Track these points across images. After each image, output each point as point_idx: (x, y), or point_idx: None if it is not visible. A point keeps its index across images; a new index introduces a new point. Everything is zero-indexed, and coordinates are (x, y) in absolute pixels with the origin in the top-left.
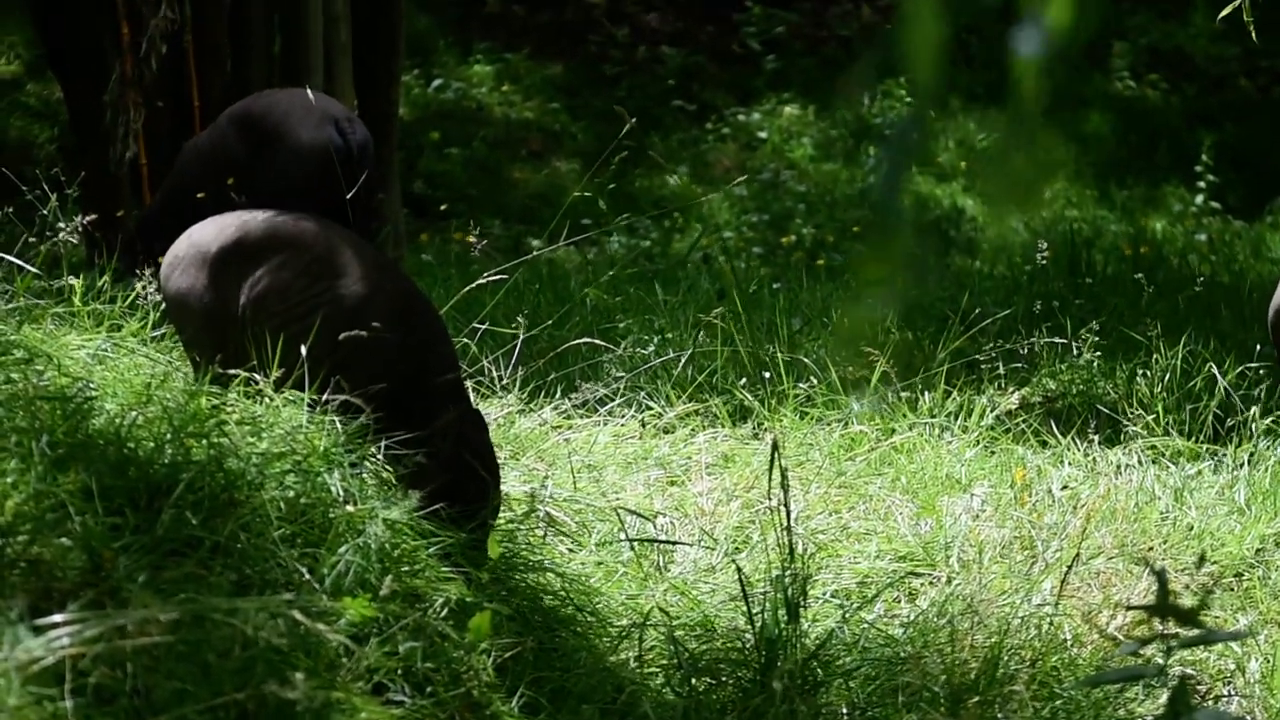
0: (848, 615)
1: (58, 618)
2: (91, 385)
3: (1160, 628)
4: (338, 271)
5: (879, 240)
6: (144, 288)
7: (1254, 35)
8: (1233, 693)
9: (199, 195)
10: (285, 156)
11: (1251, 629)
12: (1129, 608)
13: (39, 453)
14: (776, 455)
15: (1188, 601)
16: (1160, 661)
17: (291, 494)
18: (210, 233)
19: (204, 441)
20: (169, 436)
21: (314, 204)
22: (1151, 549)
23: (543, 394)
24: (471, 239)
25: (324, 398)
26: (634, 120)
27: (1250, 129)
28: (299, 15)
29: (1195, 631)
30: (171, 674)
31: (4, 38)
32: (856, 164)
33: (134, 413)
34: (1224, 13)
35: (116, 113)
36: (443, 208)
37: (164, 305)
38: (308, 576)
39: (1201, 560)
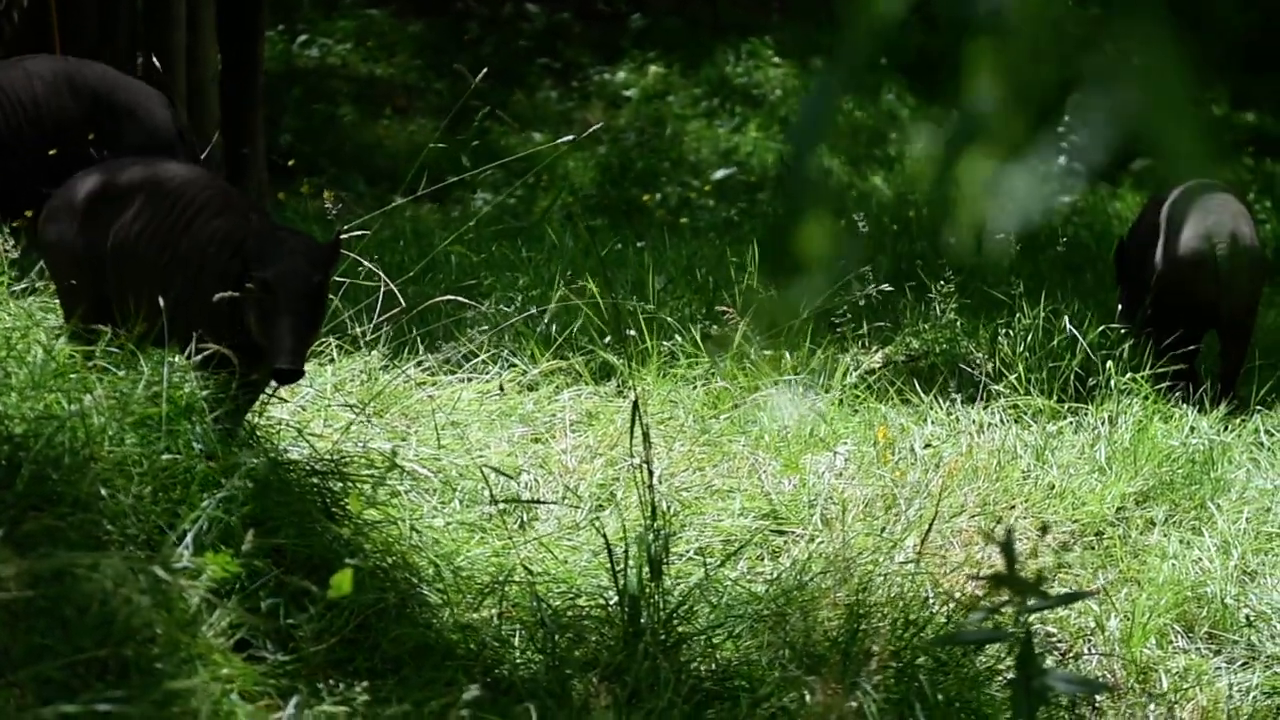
0: (711, 573)
1: None
2: None
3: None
4: (200, 208)
5: (794, 221)
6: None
7: None
8: (1093, 650)
9: (50, 152)
10: (143, 131)
11: (1097, 591)
12: (976, 577)
13: None
14: (638, 413)
15: (1048, 561)
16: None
17: (153, 450)
18: (80, 184)
19: (65, 395)
20: (30, 390)
21: None
22: (1013, 507)
23: (406, 350)
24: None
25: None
26: (480, 76)
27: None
28: None
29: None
30: (31, 629)
31: None
32: (720, 123)
33: None
34: None
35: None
36: (290, 163)
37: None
38: (169, 533)
39: (1045, 530)
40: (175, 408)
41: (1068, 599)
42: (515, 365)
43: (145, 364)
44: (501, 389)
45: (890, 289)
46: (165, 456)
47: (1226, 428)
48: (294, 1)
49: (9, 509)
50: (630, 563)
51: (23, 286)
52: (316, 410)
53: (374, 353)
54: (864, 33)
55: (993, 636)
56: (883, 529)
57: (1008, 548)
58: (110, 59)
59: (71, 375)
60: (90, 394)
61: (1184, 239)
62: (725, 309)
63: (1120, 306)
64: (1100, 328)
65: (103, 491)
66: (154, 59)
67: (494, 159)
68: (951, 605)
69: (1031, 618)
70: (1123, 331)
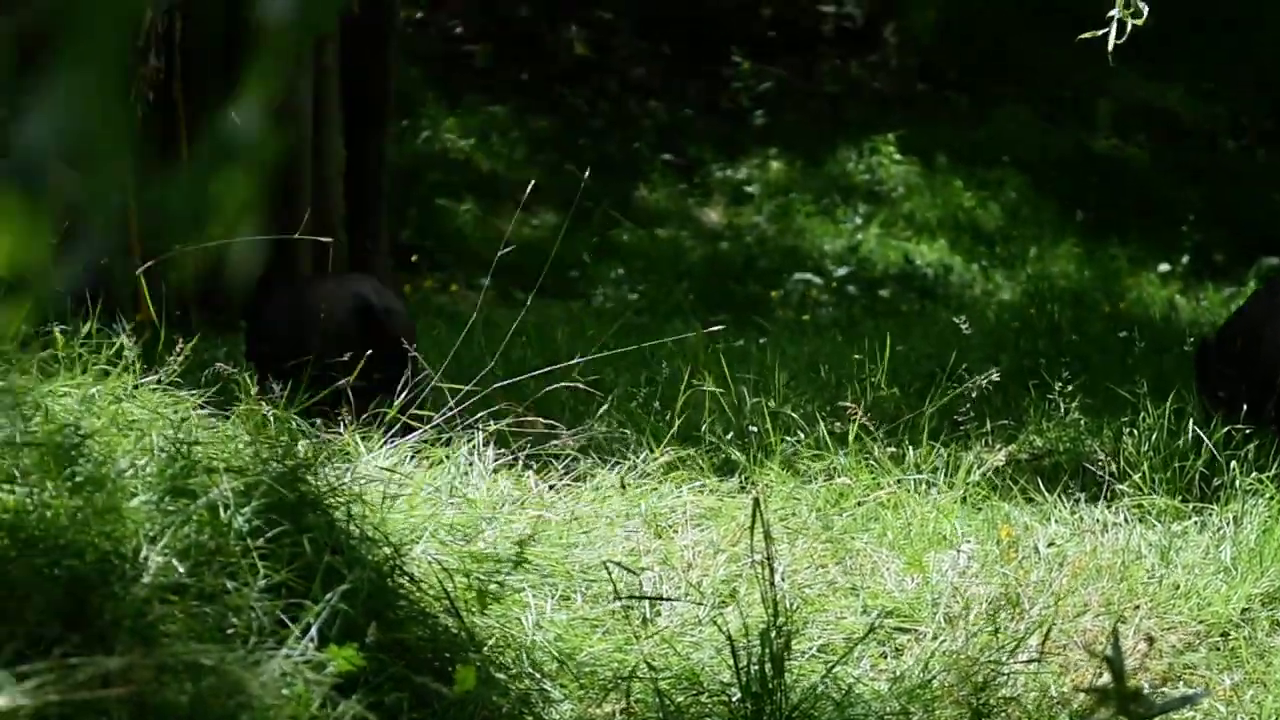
0: (833, 670)
1: (42, 664)
2: (80, 430)
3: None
4: None
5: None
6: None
7: (1109, 59)
8: None
9: None
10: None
11: (1208, 693)
12: (1085, 690)
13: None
14: (760, 509)
15: (1168, 664)
16: None
17: (278, 541)
18: None
19: (193, 488)
20: (158, 483)
21: None
22: (1137, 607)
23: (525, 442)
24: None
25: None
26: (587, 175)
27: (1235, 189)
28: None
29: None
30: None
31: None
32: (842, 220)
33: (124, 459)
34: (1085, 35)
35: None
36: (414, 258)
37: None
38: (293, 625)
39: (1150, 642)
40: (300, 501)
41: (1179, 703)
42: (636, 461)
43: (271, 455)
44: (623, 485)
45: (1000, 383)
46: (291, 548)
47: None
48: (418, 97)
49: (137, 601)
50: (753, 659)
51: (150, 379)
52: (440, 504)
53: (491, 448)
54: None
55: None
56: (1005, 628)
57: (1115, 661)
58: None
59: (199, 468)
60: (216, 487)
61: None
62: (848, 406)
63: (1217, 407)
64: (1225, 428)
65: (228, 584)
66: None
67: (616, 255)
68: (1075, 706)
69: None
70: (1247, 432)
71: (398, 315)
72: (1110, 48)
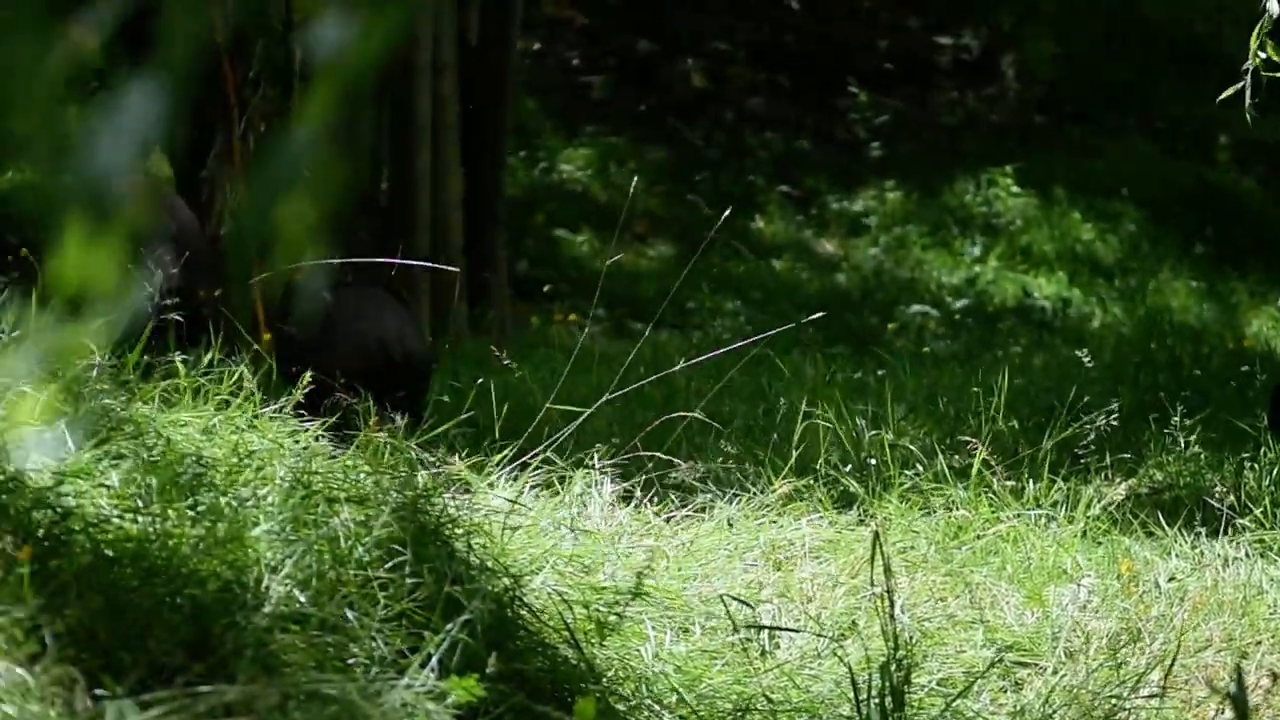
0: (952, 704)
1: (164, 693)
2: (201, 460)
3: None
4: None
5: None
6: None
7: (1247, 115)
8: None
9: None
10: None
11: None
12: None
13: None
14: (879, 542)
15: None
16: None
17: (398, 572)
18: None
19: (312, 519)
20: (279, 513)
21: None
22: (1259, 643)
23: (642, 474)
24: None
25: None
26: (729, 211)
27: None
28: (408, 95)
29: None
30: None
31: None
32: (959, 252)
33: (245, 489)
34: (1224, 95)
35: (214, 189)
36: (544, 290)
37: None
38: (414, 655)
39: (1275, 678)
40: (420, 531)
41: None
42: (755, 491)
43: (391, 486)
44: (730, 523)
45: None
46: (411, 580)
47: None
48: (535, 128)
49: (258, 630)
50: (872, 692)
51: (270, 409)
52: (559, 535)
53: (610, 480)
54: None
55: None
56: (1126, 663)
57: (1238, 697)
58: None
59: (319, 498)
60: (337, 517)
61: None
62: (968, 440)
63: None
64: None
65: (349, 614)
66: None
67: (732, 286)
68: None
69: None
70: None
71: (415, 354)
72: (1248, 104)
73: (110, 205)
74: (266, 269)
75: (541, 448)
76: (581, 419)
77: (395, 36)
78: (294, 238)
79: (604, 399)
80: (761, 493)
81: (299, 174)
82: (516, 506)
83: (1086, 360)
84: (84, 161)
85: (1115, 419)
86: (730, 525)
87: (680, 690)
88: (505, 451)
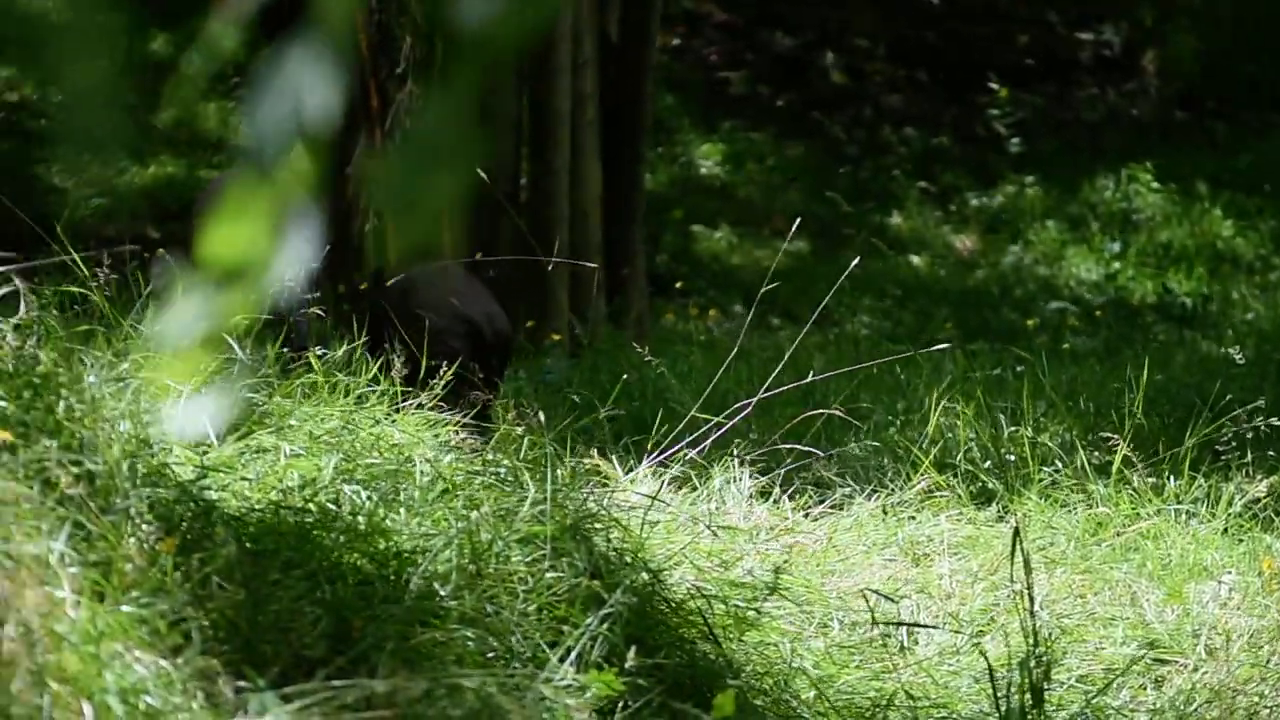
0: (1092, 701)
1: (306, 686)
2: (343, 455)
3: None
4: None
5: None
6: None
7: None
8: None
9: None
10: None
11: None
12: None
13: (289, 522)
14: (1019, 538)
15: None
16: None
17: (538, 567)
18: None
19: (452, 513)
20: (419, 506)
21: None
22: None
23: (781, 469)
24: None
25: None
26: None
27: None
28: (547, 91)
29: None
30: None
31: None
32: (1098, 248)
33: (383, 482)
34: None
35: (360, 185)
36: (681, 286)
37: None
38: (553, 650)
39: None
40: (560, 526)
41: None
42: (894, 487)
43: (530, 480)
44: (884, 512)
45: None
46: (550, 574)
47: None
48: (674, 124)
49: (398, 623)
50: (1011, 689)
51: (408, 402)
52: (697, 531)
53: (749, 475)
54: None
55: None
56: (1268, 660)
57: None
58: (493, 183)
59: (459, 491)
60: (477, 510)
61: None
62: (1109, 436)
63: None
64: None
65: (488, 608)
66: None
67: (872, 282)
68: None
69: None
70: None
71: (505, 333)
72: None
73: (267, 180)
74: (402, 254)
75: (683, 444)
76: (731, 422)
77: (545, 14)
78: (430, 213)
79: (755, 399)
80: (900, 488)
81: (439, 149)
82: (656, 501)
83: (1237, 357)
84: (243, 137)
85: (1257, 414)
86: (882, 516)
87: (818, 686)
88: (646, 446)
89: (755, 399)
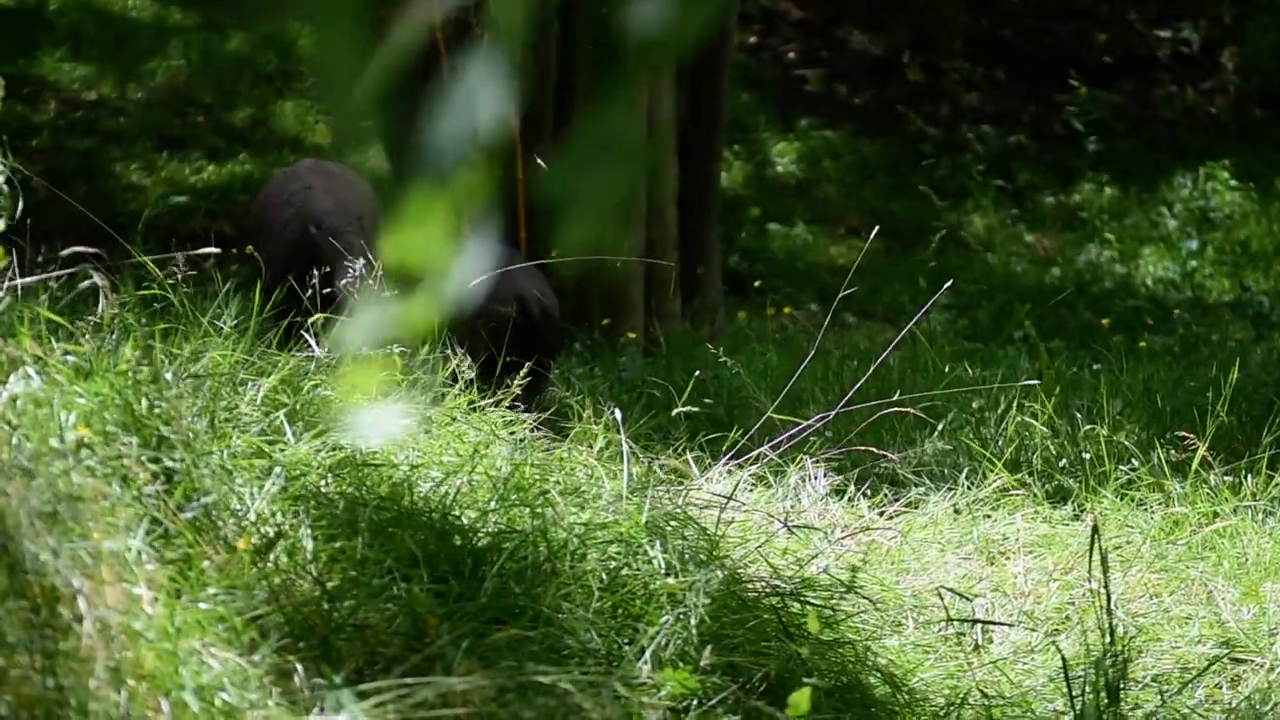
0: (1168, 699)
1: (382, 683)
2: (416, 453)
3: None
4: None
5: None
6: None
7: None
8: None
9: None
10: None
11: None
12: None
13: (365, 520)
14: (1097, 537)
15: None
16: None
17: (613, 565)
18: None
19: (527, 511)
20: (493, 505)
21: None
22: None
23: (856, 467)
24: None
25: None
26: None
27: None
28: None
29: None
30: None
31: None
32: (1176, 245)
33: (458, 480)
34: None
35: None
36: (756, 284)
37: None
38: (628, 648)
39: None
40: (635, 524)
41: None
42: (969, 485)
43: (607, 479)
44: (956, 511)
45: None
46: (626, 572)
47: None
48: (750, 121)
49: (472, 621)
50: (1086, 687)
51: (485, 400)
52: (772, 529)
53: (824, 473)
54: None
55: None
56: None
57: None
58: None
59: (533, 490)
60: (552, 508)
61: None
62: (1186, 435)
63: None
64: None
65: (564, 606)
66: None
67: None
68: None
69: None
70: None
71: (553, 312)
72: None
73: (450, 183)
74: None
75: (763, 447)
76: (812, 427)
77: (712, 16)
78: (601, 212)
79: (839, 408)
80: (975, 487)
81: (610, 149)
82: (731, 500)
83: None
84: (426, 139)
85: None
86: (956, 514)
87: (894, 684)
88: (722, 445)
89: (836, 410)
